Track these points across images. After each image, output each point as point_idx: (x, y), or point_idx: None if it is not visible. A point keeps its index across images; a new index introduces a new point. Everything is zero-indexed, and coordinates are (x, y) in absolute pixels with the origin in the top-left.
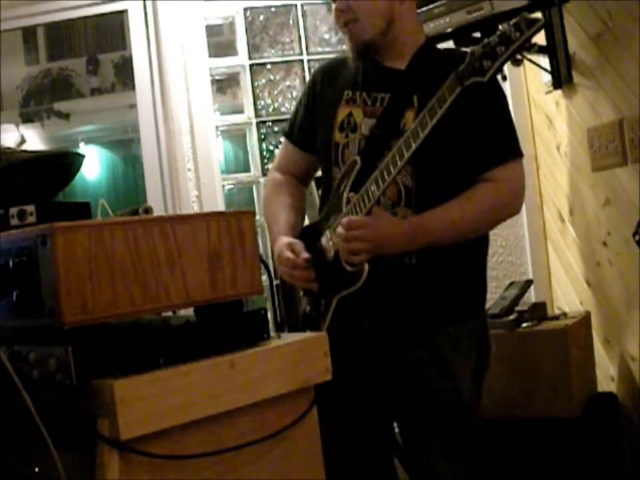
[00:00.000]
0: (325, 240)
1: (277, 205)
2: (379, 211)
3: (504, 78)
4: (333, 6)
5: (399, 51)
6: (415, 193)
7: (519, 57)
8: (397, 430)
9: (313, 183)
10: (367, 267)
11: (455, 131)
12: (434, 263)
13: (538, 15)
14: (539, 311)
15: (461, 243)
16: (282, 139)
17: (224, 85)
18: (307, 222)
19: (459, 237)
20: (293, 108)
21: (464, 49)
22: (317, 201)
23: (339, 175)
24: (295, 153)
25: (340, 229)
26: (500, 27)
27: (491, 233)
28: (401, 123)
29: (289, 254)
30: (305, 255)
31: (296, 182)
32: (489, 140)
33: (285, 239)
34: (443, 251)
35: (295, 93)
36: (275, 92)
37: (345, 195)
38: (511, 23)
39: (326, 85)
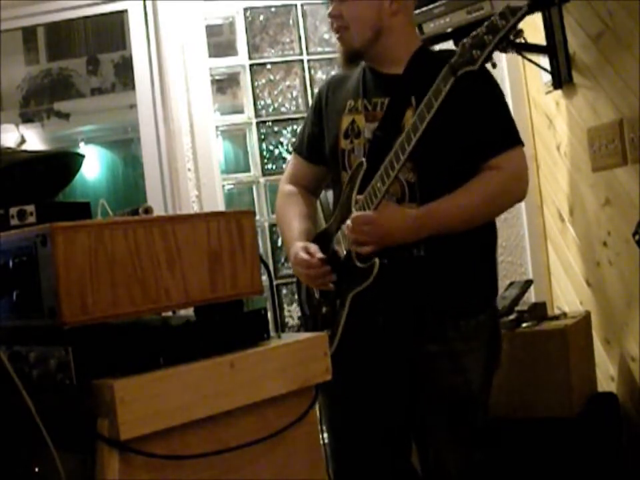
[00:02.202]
0: (336, 241)
1: (289, 213)
2: (386, 203)
3: (493, 66)
4: (328, 11)
5: (394, 58)
6: (418, 188)
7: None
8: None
9: None
10: (377, 262)
11: (454, 124)
12: (443, 254)
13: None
14: (539, 310)
15: (469, 233)
16: (291, 153)
17: (224, 84)
18: None
19: (466, 223)
20: (302, 122)
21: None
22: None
23: (346, 179)
24: (304, 165)
25: (348, 222)
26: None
27: None
28: (402, 123)
29: (303, 255)
30: (320, 254)
31: (306, 193)
32: (489, 129)
33: (300, 243)
34: (451, 242)
35: (295, 93)
36: (275, 92)
37: (353, 196)
38: (497, 13)
39: (331, 98)
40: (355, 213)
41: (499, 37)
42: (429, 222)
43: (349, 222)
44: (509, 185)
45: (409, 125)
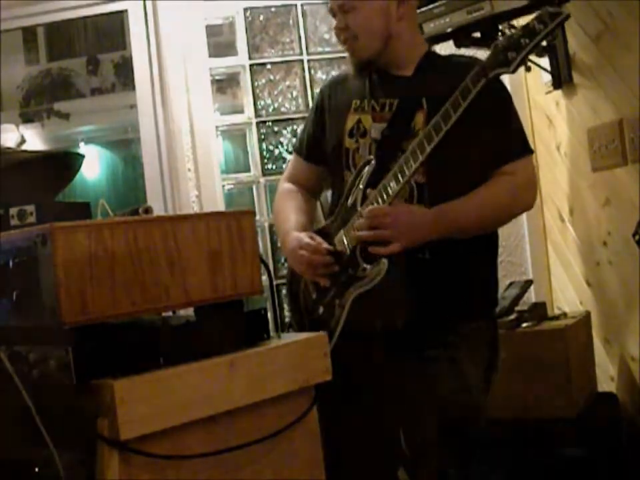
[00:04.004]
0: (339, 240)
1: (287, 207)
2: (397, 202)
3: (527, 69)
4: (334, 23)
5: (403, 61)
6: (428, 189)
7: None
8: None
9: None
10: (386, 262)
11: (467, 129)
12: (447, 258)
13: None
14: (539, 310)
15: (473, 238)
16: (292, 153)
17: (224, 85)
18: None
19: (479, 227)
20: (302, 122)
21: (466, 55)
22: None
23: (350, 178)
24: (305, 166)
25: (362, 220)
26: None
27: None
28: (412, 124)
29: (308, 240)
30: (326, 244)
31: (305, 192)
32: (504, 136)
33: (301, 232)
34: (455, 245)
35: (295, 93)
36: (275, 92)
37: (359, 193)
38: (534, 16)
39: (333, 98)
40: (367, 208)
41: (537, 41)
42: (444, 221)
43: (361, 221)
44: (520, 192)
45: (420, 129)
